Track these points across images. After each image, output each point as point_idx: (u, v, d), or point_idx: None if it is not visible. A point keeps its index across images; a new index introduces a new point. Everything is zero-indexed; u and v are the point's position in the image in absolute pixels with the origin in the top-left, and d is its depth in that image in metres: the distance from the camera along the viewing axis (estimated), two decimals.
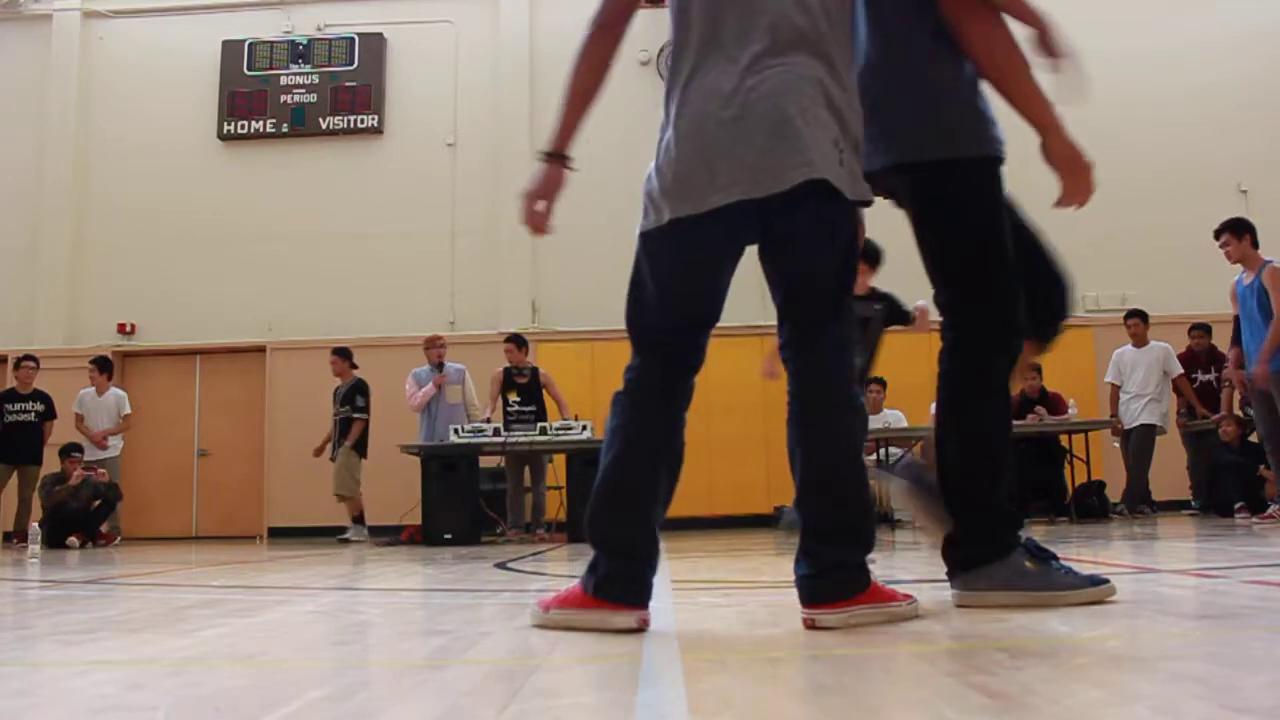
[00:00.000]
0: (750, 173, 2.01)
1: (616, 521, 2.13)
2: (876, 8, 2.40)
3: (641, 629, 2.03)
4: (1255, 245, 6.87)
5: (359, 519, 9.21)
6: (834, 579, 2.03)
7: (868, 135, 2.24)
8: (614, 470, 2.13)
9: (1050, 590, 2.22)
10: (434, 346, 8.82)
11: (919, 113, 2.34)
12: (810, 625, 2.01)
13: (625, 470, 2.13)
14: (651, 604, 2.09)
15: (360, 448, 9.14)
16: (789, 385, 2.17)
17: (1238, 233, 6.89)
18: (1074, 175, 2.25)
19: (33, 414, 9.46)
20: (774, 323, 2.27)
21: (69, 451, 9.26)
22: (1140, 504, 8.50)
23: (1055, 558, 2.32)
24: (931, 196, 2.40)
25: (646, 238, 2.15)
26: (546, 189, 2.25)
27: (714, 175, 2.02)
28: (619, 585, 2.07)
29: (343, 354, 9.46)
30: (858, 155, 2.14)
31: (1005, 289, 2.35)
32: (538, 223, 2.27)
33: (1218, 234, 7.00)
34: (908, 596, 2.15)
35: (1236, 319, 7.21)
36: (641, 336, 2.19)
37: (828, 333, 2.14)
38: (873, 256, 5.43)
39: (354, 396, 9.23)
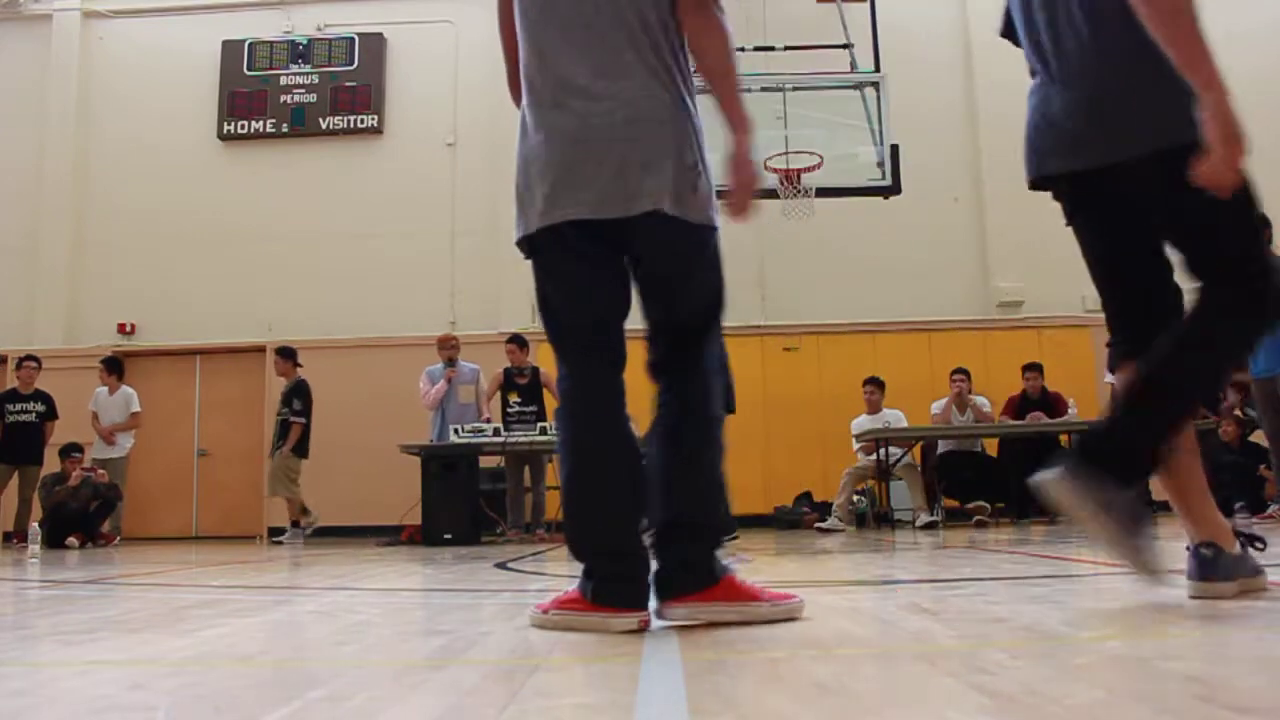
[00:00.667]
0: (599, 195, 2.12)
1: (594, 533, 2.17)
2: None
3: (642, 629, 2.04)
4: (1270, 241, 6.80)
5: (297, 523, 9.32)
6: (685, 575, 2.10)
7: (1110, 126, 2.28)
8: (575, 484, 2.17)
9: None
10: (445, 347, 8.84)
11: (1178, 96, 2.25)
12: (657, 615, 2.08)
13: (586, 480, 2.17)
14: (651, 602, 2.09)
15: (299, 449, 9.25)
16: (658, 399, 2.23)
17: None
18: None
19: (34, 414, 9.46)
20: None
21: (69, 452, 9.26)
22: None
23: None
24: (1182, 179, 2.29)
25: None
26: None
27: (573, 190, 2.13)
28: (614, 590, 2.09)
29: (285, 354, 9.55)
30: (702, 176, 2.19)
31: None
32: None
33: None
34: (786, 596, 2.18)
35: None
36: (563, 341, 2.25)
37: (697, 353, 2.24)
38: None
39: (292, 399, 9.34)
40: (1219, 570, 2.24)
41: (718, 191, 2.23)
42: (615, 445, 2.16)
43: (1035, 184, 2.46)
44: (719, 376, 2.27)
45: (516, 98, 2.31)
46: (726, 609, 2.09)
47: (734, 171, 2.22)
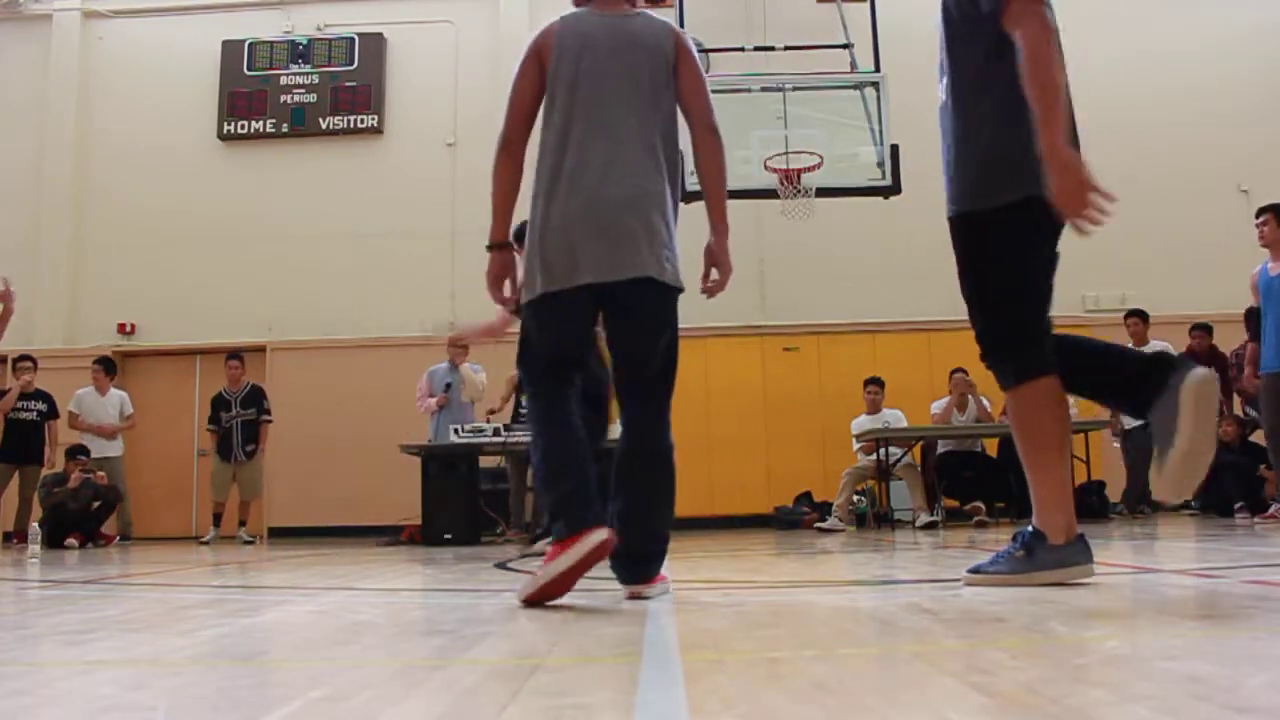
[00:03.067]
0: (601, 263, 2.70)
1: (565, 489, 2.63)
2: None
3: (605, 548, 2.49)
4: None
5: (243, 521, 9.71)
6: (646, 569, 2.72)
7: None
8: (548, 456, 2.70)
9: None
10: (453, 345, 8.86)
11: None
12: (636, 596, 2.63)
13: (557, 453, 2.69)
14: (650, 604, 2.09)
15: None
16: (623, 432, 2.81)
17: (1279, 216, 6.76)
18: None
19: (35, 414, 9.45)
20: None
21: (75, 454, 9.26)
22: (1140, 504, 8.49)
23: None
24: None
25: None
26: (502, 273, 2.89)
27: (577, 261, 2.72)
28: (579, 517, 2.54)
29: (240, 358, 9.95)
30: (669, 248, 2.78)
31: None
32: (505, 302, 2.92)
33: (1260, 213, 6.85)
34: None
35: (1248, 312, 7.09)
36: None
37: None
38: None
39: (262, 400, 9.76)
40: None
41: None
42: (567, 435, 2.71)
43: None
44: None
45: (513, 148, 2.88)
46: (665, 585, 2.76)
47: (719, 265, 2.89)
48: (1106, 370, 2.75)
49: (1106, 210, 2.46)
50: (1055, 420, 2.69)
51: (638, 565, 2.71)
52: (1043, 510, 2.64)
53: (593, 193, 2.71)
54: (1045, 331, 2.73)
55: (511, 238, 2.92)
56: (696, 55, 2.89)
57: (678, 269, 2.80)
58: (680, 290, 2.81)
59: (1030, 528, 2.66)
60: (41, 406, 9.50)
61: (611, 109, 2.77)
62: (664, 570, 2.79)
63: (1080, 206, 2.45)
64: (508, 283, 2.89)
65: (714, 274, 2.91)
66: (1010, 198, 2.62)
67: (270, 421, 9.85)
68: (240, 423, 9.65)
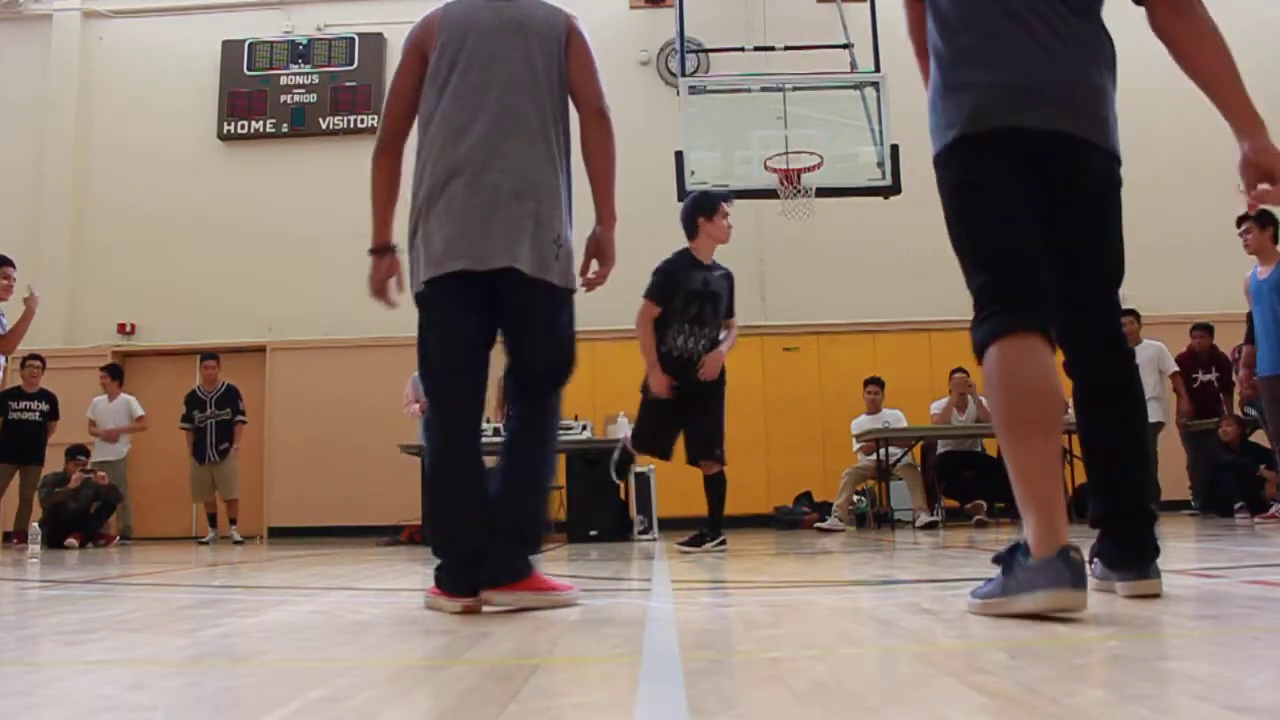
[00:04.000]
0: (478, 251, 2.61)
1: (452, 536, 2.61)
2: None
3: (467, 612, 2.44)
4: (1275, 241, 6.78)
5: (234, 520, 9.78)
6: (507, 568, 2.51)
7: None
8: (431, 485, 2.73)
9: None
10: None
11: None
12: (485, 603, 2.49)
13: (440, 483, 2.66)
14: (650, 605, 2.09)
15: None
16: (509, 425, 2.71)
17: (1262, 223, 6.79)
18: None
19: (37, 414, 9.43)
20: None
21: (74, 454, 9.26)
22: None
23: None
24: (1115, 183, 2.53)
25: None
26: (389, 274, 2.78)
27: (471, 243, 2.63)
28: (449, 578, 2.53)
29: (217, 359, 9.99)
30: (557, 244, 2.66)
31: None
32: (388, 299, 2.81)
33: (1239, 222, 6.88)
34: (569, 587, 2.59)
35: (1249, 316, 7.11)
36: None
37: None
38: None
39: (236, 400, 9.76)
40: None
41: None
42: (459, 463, 2.63)
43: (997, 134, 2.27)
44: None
45: (393, 147, 2.84)
46: (538, 596, 2.50)
47: (603, 257, 2.79)
48: (1114, 471, 2.35)
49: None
50: (1012, 384, 2.12)
51: (503, 554, 2.52)
52: (1021, 510, 2.07)
53: (482, 182, 2.60)
54: (1025, 295, 2.20)
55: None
56: (588, 38, 2.78)
57: (569, 265, 2.69)
58: (571, 289, 2.71)
59: (1017, 540, 2.09)
60: (44, 407, 9.49)
61: (502, 95, 2.66)
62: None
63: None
64: (393, 283, 2.79)
65: (594, 266, 2.79)
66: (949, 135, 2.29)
67: (244, 422, 9.84)
68: (214, 423, 9.67)
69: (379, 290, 2.77)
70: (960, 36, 2.33)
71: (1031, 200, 2.28)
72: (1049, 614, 1.93)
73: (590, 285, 2.79)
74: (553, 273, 2.62)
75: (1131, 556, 2.30)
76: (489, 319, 2.67)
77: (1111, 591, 2.33)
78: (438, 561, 2.58)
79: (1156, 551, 2.31)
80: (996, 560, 2.11)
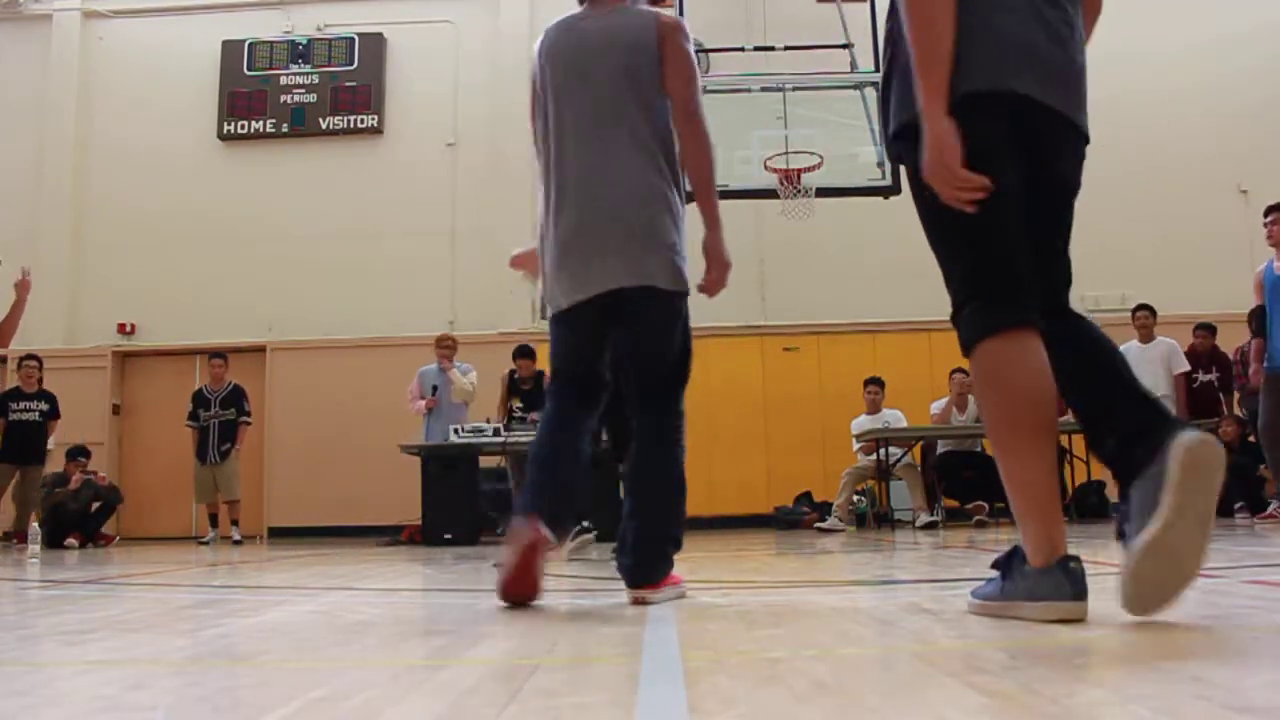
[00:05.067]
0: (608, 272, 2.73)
1: (530, 479, 2.76)
2: None
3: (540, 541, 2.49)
4: None
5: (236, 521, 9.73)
6: (648, 573, 2.66)
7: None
8: (533, 448, 2.85)
9: None
10: (440, 346, 8.83)
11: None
12: (640, 602, 2.57)
13: (539, 445, 2.82)
14: (650, 605, 2.08)
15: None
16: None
17: None
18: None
19: (37, 414, 9.42)
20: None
21: (75, 455, 9.25)
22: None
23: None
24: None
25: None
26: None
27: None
28: (525, 504, 2.65)
29: (225, 358, 9.98)
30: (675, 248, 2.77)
31: None
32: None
33: (1268, 211, 6.83)
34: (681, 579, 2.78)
35: (1254, 311, 7.07)
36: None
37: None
38: None
39: (242, 400, 9.74)
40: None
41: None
42: (556, 435, 2.82)
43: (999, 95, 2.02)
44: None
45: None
46: (677, 590, 2.70)
47: (714, 261, 2.81)
48: (1110, 397, 2.07)
49: (968, 198, 1.95)
50: (1008, 386, 2.00)
51: (639, 567, 2.66)
52: (1016, 518, 2.01)
53: (584, 205, 2.70)
54: (1022, 286, 2.04)
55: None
56: (685, 39, 2.77)
57: (680, 269, 2.74)
58: (683, 293, 2.77)
59: (1015, 544, 2.04)
60: (44, 406, 9.47)
61: (595, 114, 2.72)
62: (676, 572, 2.75)
63: (943, 188, 1.97)
64: None
65: (711, 271, 2.84)
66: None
67: (249, 424, 9.83)
68: (218, 423, 9.65)
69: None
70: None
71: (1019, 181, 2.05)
72: (1044, 620, 1.90)
73: (709, 289, 2.85)
74: (662, 280, 2.72)
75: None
76: (598, 337, 2.87)
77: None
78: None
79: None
80: (995, 565, 2.07)
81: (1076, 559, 1.91)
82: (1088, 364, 2.11)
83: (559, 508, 2.68)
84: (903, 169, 2.20)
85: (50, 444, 9.50)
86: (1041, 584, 1.92)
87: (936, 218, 2.08)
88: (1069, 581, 1.89)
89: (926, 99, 1.98)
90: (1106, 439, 2.04)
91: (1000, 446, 2.02)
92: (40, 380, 9.48)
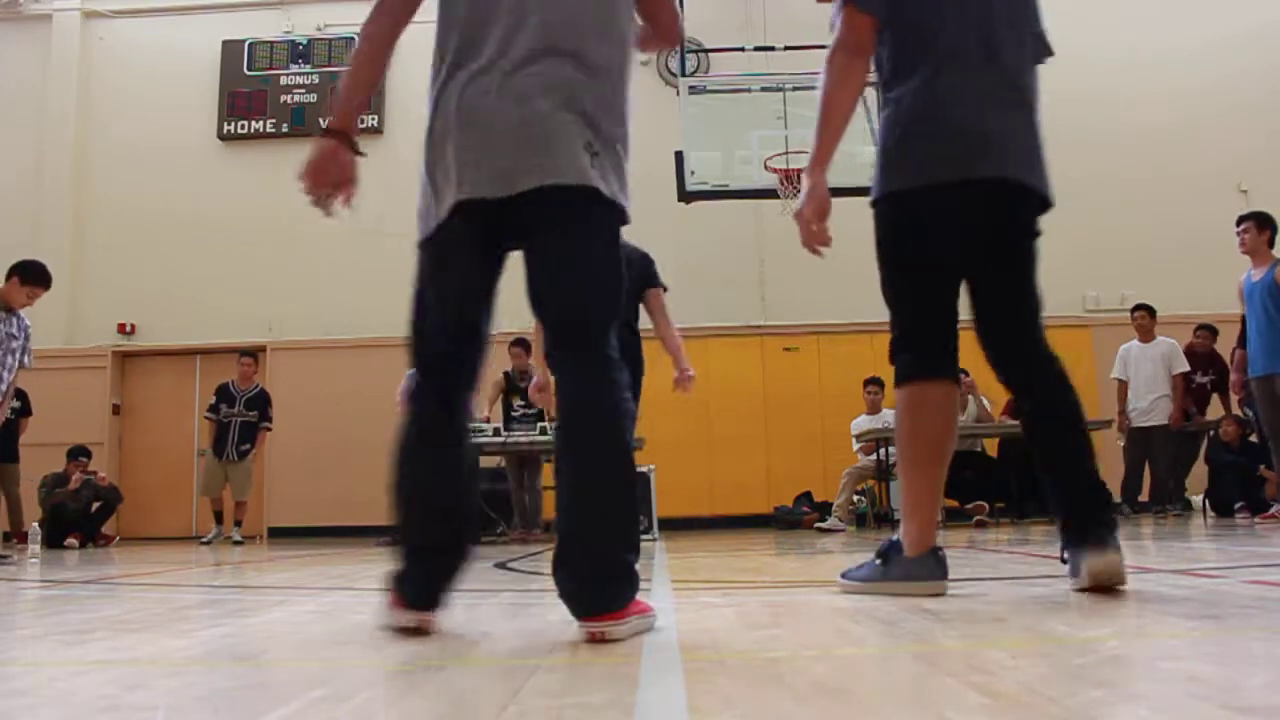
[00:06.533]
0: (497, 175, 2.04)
1: (412, 539, 2.10)
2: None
3: (421, 630, 2.00)
4: (1271, 244, 6.80)
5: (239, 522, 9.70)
6: (600, 598, 1.91)
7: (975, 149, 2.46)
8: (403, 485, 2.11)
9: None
10: None
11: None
12: (598, 638, 1.86)
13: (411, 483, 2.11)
14: (649, 605, 2.08)
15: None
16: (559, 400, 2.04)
17: (1261, 225, 6.81)
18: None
19: (10, 411, 9.35)
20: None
21: (76, 455, 9.23)
22: (1166, 503, 8.50)
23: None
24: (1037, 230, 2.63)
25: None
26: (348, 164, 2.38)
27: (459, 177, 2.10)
28: (407, 586, 2.05)
29: (255, 358, 10.00)
30: (614, 155, 2.10)
31: None
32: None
33: (1240, 221, 6.91)
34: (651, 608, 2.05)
35: (1243, 319, 7.12)
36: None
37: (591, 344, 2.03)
38: None
39: (266, 406, 9.78)
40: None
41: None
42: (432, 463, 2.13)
43: (956, 184, 2.47)
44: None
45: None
46: (643, 620, 1.96)
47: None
48: (1051, 476, 2.50)
49: (819, 250, 2.64)
50: (924, 429, 2.53)
51: (586, 592, 1.91)
52: (903, 516, 2.55)
53: (503, 77, 2.07)
54: (930, 340, 2.58)
55: None
56: None
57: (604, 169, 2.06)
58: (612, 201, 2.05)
59: (894, 537, 2.58)
60: (15, 404, 9.39)
61: None
62: (643, 599, 2.01)
63: (802, 231, 2.61)
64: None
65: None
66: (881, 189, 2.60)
67: (269, 429, 9.85)
68: (240, 422, 9.65)
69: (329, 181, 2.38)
70: (921, 81, 2.48)
71: (966, 248, 2.54)
72: (917, 595, 2.41)
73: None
74: (593, 178, 2.03)
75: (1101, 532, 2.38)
76: (486, 265, 2.26)
77: (1086, 587, 2.37)
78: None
79: (1114, 526, 2.41)
80: (879, 554, 2.58)
81: (942, 549, 2.52)
82: (1046, 437, 2.53)
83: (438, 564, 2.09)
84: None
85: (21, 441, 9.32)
86: (918, 567, 2.48)
87: (887, 282, 2.65)
88: (939, 566, 2.49)
89: (814, 163, 2.58)
90: (1050, 497, 2.51)
91: (905, 468, 2.57)
92: None
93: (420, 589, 2.05)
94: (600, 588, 1.90)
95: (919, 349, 2.57)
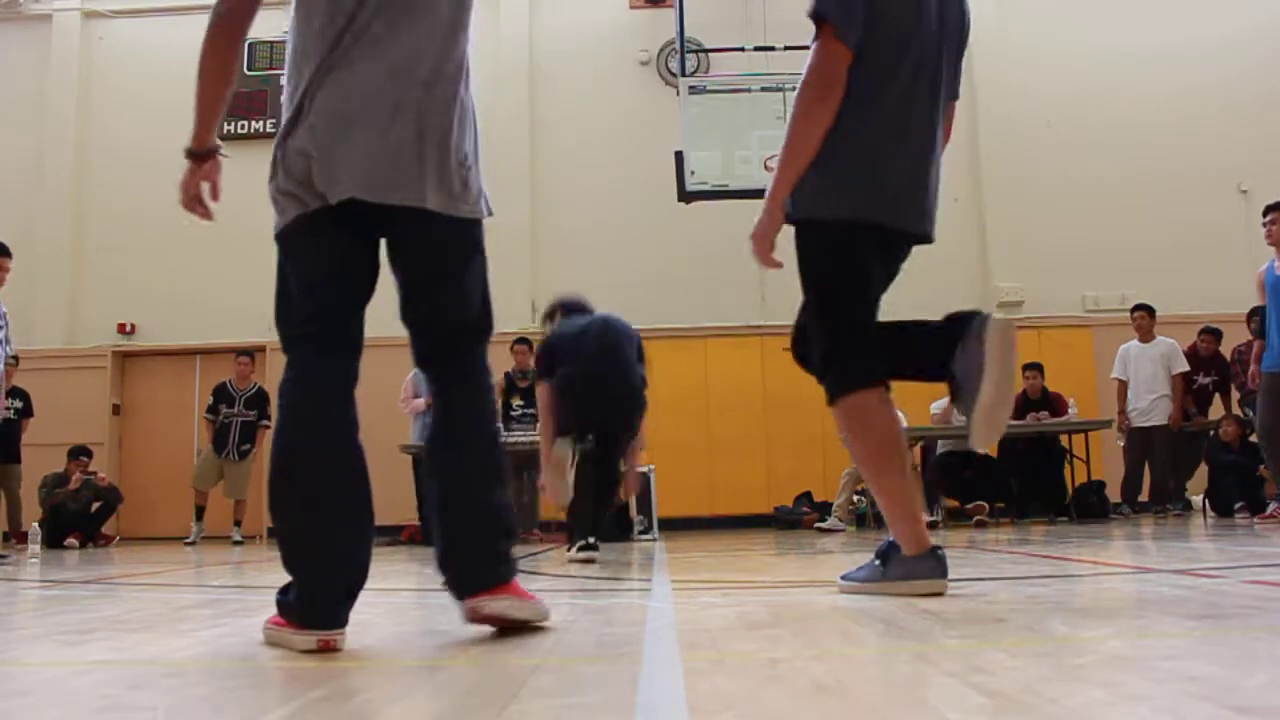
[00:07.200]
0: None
1: (311, 561, 2.01)
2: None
3: (325, 650, 1.86)
4: None
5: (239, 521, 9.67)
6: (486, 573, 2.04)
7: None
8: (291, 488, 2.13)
9: None
10: None
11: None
12: (478, 617, 2.01)
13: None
14: (650, 605, 2.08)
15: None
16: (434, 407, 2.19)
17: None
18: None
19: (11, 411, 9.36)
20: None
21: (77, 454, 9.22)
22: (1166, 502, 8.50)
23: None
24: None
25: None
26: (207, 178, 2.50)
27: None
28: (308, 608, 1.92)
29: (252, 357, 9.94)
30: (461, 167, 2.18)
31: None
32: (205, 215, 2.55)
33: (1267, 211, 6.81)
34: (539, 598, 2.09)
35: (1255, 311, 7.05)
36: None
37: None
38: None
39: (265, 405, 9.66)
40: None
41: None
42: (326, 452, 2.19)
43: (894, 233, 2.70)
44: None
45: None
46: (522, 604, 2.04)
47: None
48: (906, 340, 2.74)
49: (766, 264, 2.81)
50: (874, 432, 2.66)
51: (472, 571, 2.04)
52: (891, 522, 2.62)
53: (375, 84, 2.14)
54: (860, 352, 2.72)
55: None
56: None
57: (479, 190, 2.21)
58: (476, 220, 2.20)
59: (890, 539, 2.63)
60: (18, 404, 9.40)
61: None
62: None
63: (756, 249, 2.78)
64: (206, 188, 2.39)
65: None
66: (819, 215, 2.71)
67: (269, 428, 9.84)
68: (240, 422, 9.64)
69: (194, 198, 2.57)
70: (875, 127, 2.60)
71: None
72: (920, 594, 2.47)
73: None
74: (465, 207, 2.20)
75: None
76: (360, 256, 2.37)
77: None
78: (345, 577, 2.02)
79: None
80: (879, 555, 2.63)
81: (941, 549, 2.58)
82: (883, 338, 2.75)
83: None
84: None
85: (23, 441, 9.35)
86: (918, 567, 2.54)
87: (814, 299, 2.77)
88: (938, 566, 2.55)
89: (772, 196, 2.67)
90: (921, 349, 2.76)
91: (871, 473, 2.68)
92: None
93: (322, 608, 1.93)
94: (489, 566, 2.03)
95: (849, 362, 2.69)
